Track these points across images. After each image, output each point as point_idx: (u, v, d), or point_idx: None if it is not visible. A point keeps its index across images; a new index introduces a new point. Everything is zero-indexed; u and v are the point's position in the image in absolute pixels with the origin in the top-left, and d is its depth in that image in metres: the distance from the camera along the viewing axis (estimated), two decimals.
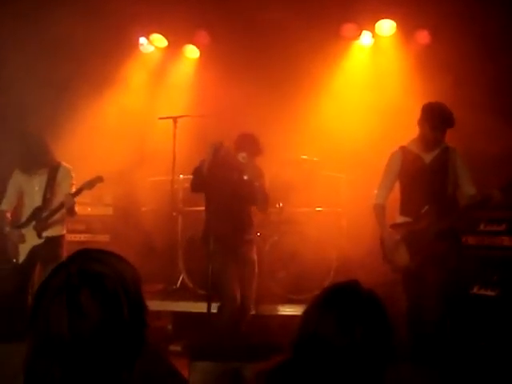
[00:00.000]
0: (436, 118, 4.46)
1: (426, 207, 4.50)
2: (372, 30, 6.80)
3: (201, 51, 7.23)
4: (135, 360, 1.36)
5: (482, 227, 5.09)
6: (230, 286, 4.78)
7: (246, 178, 4.93)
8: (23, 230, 5.04)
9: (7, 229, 5.06)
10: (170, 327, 5.98)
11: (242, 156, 4.83)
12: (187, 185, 6.34)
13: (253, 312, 5.09)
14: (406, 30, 6.67)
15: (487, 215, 5.10)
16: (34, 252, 4.99)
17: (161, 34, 7.13)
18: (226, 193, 4.94)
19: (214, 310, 4.97)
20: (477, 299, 4.90)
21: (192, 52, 7.27)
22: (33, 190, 5.10)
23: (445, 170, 4.53)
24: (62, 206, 4.97)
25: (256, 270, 5.00)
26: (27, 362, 1.35)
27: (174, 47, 7.25)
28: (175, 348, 5.27)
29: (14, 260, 5.00)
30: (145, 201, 6.41)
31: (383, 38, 6.80)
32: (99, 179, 5.03)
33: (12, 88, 5.91)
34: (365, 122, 6.14)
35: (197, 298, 5.66)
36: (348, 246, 5.51)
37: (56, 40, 6.32)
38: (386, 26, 6.69)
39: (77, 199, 5.09)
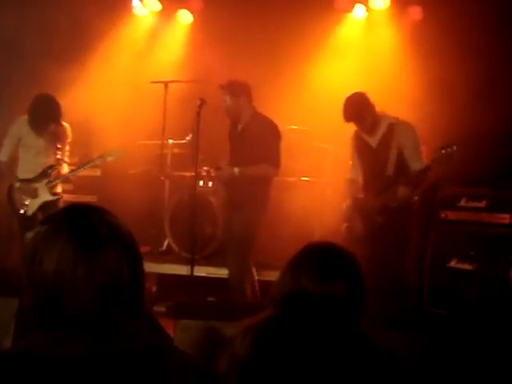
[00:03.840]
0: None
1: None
2: (365, 4, 6.79)
3: (194, 16, 7.19)
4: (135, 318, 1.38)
5: (462, 203, 5.22)
6: None
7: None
8: (36, 185, 5.21)
9: (17, 183, 5.22)
10: (154, 289, 6.09)
11: (223, 100, 4.93)
12: (176, 150, 6.41)
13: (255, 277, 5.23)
14: (400, 4, 6.68)
15: (469, 191, 5.23)
16: (43, 207, 5.19)
17: None
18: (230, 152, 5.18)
19: (197, 273, 5.11)
20: (454, 272, 5.07)
21: (185, 17, 7.23)
22: (39, 147, 5.26)
23: (387, 153, 4.78)
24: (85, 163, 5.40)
25: (237, 238, 4.97)
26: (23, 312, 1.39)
27: (168, 11, 7.20)
28: (160, 309, 5.38)
29: (22, 211, 5.17)
30: (133, 164, 6.45)
31: (376, 12, 6.79)
32: (122, 152, 5.43)
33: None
34: None
35: (182, 261, 5.76)
36: (332, 216, 5.61)
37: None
38: (380, 0, 6.69)
39: (67, 160, 5.28)
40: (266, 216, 5.11)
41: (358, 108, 4.79)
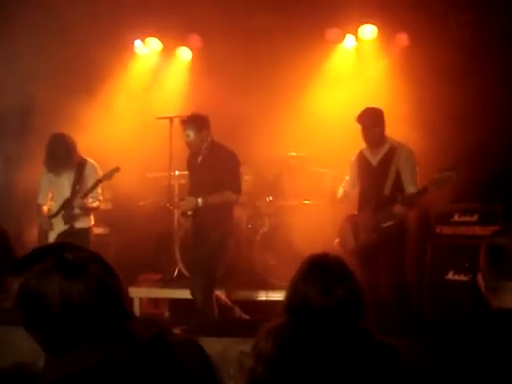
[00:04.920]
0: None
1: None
2: (355, 34, 7.17)
3: (193, 53, 7.57)
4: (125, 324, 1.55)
5: (456, 218, 5.52)
6: None
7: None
8: (53, 220, 5.50)
9: (42, 221, 5.55)
10: (167, 314, 6.35)
11: (186, 134, 5.10)
12: (183, 180, 6.72)
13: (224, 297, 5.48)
14: (387, 33, 7.03)
15: (461, 207, 5.54)
16: (60, 238, 5.40)
17: (155, 37, 7.45)
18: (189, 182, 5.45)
19: None
20: (452, 284, 5.35)
21: (185, 54, 7.60)
22: (62, 186, 5.55)
23: (386, 172, 5.04)
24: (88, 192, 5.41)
25: (203, 267, 5.08)
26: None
27: (168, 49, 7.58)
28: (175, 332, 5.62)
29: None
30: (142, 196, 6.76)
31: (366, 42, 7.18)
32: (116, 169, 5.42)
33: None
34: (348, 120, 6.49)
35: None
36: (333, 236, 5.90)
37: (55, 41, 6.66)
38: (368, 30, 7.07)
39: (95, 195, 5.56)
40: (233, 240, 5.31)
41: (375, 116, 5.08)
